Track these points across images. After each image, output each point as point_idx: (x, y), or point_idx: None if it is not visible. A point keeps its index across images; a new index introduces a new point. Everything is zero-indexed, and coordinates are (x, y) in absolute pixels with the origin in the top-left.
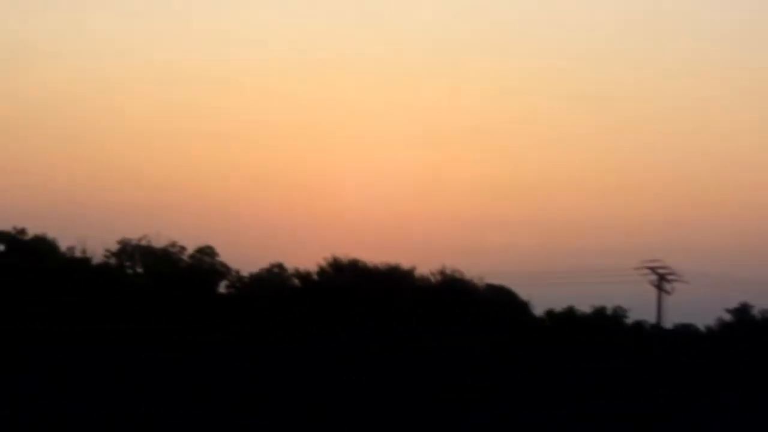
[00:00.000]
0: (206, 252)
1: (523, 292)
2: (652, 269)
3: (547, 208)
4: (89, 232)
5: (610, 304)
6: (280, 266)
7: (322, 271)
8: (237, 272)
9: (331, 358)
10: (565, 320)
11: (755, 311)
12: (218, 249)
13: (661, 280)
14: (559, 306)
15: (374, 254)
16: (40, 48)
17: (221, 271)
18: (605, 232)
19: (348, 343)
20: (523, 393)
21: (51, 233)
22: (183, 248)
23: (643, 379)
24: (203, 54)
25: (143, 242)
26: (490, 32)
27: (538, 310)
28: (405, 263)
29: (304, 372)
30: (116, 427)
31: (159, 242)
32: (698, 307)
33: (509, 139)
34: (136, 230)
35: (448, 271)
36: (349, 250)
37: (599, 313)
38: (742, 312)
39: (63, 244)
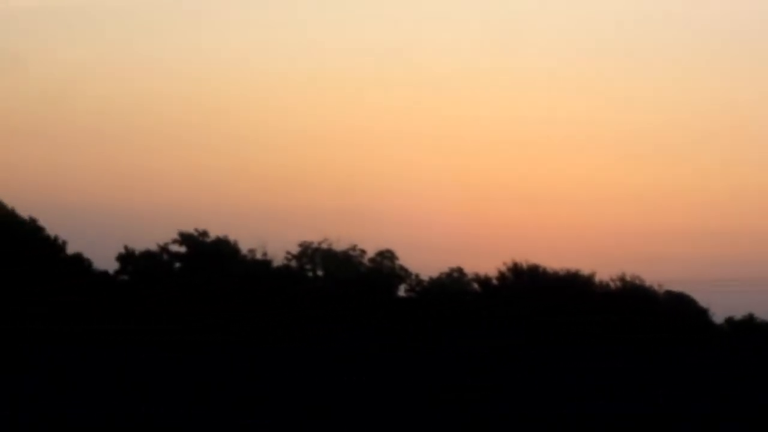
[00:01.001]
0: (386, 255)
1: (702, 300)
2: None
3: (728, 218)
4: (270, 234)
5: None
6: (460, 270)
7: (502, 276)
8: (417, 276)
9: (513, 362)
10: (746, 328)
11: None
12: (398, 252)
13: None
14: (739, 313)
15: (553, 260)
16: (209, 54)
17: (401, 274)
18: None
19: (526, 348)
20: (701, 401)
21: (233, 235)
22: (363, 251)
23: None
24: (385, 58)
25: (324, 245)
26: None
27: (718, 317)
28: (584, 269)
29: (479, 373)
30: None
31: (339, 245)
32: None
33: (692, 148)
34: (317, 233)
35: (628, 278)
36: (529, 256)
37: None
38: None
39: (244, 247)
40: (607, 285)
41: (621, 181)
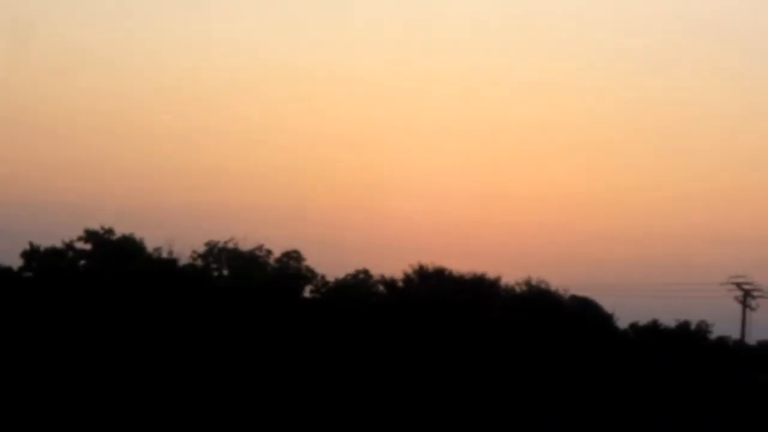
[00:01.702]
0: (292, 256)
1: (607, 305)
2: (738, 285)
3: (635, 222)
4: (177, 233)
5: (694, 319)
6: (366, 272)
7: (407, 279)
8: (323, 277)
9: (416, 365)
10: (649, 333)
11: None
12: (305, 253)
13: (746, 296)
14: (643, 319)
15: (460, 263)
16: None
17: (307, 275)
18: (693, 246)
19: (433, 350)
20: (603, 405)
21: (139, 233)
22: (269, 252)
23: (723, 395)
24: (299, 55)
25: (230, 245)
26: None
27: (623, 322)
28: (491, 272)
29: (387, 379)
30: None
31: (246, 245)
32: None
33: (601, 151)
34: (223, 232)
35: (534, 282)
36: (435, 258)
37: (683, 327)
38: None
39: (150, 245)
40: (513, 289)
41: (530, 183)
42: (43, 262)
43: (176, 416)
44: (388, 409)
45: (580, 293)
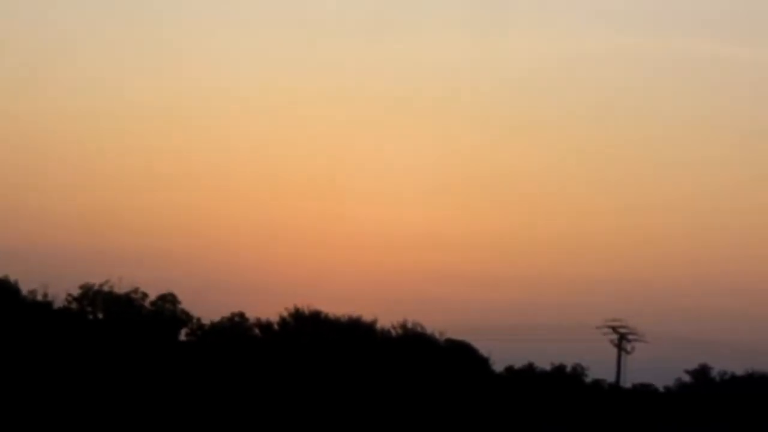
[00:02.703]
0: (168, 299)
1: (483, 348)
2: (614, 328)
3: (511, 265)
4: (51, 276)
5: (570, 362)
6: (242, 315)
7: (283, 322)
8: (198, 320)
9: (291, 407)
10: (525, 377)
11: (714, 373)
12: (180, 296)
13: (622, 339)
14: (519, 362)
15: (336, 306)
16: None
17: (182, 318)
18: (568, 289)
19: (307, 395)
20: None
21: (13, 275)
22: (145, 294)
23: None
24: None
25: (105, 287)
26: None
27: (498, 366)
28: (367, 315)
29: (262, 421)
30: None
31: (121, 288)
32: (658, 367)
33: (477, 195)
34: (100, 275)
35: (409, 325)
36: (312, 301)
37: (559, 370)
38: (701, 373)
39: (24, 287)
40: (389, 332)
41: (404, 225)
42: None
43: None
44: None
45: (456, 337)
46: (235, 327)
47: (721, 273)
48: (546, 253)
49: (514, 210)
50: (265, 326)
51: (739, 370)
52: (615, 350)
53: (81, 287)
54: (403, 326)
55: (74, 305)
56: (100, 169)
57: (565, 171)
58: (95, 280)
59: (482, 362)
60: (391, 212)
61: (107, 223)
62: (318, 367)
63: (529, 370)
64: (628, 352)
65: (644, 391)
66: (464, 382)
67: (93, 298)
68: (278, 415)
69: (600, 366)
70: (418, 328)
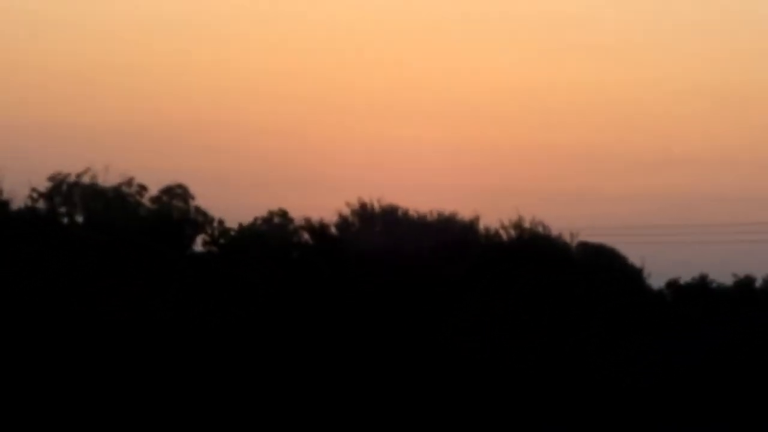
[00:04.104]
0: (176, 193)
1: (634, 255)
2: None
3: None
4: (8, 163)
5: (761, 274)
6: (284, 214)
7: (344, 223)
8: (220, 222)
9: (359, 349)
10: (696, 296)
11: None
12: (193, 190)
13: None
14: (687, 275)
15: (418, 199)
16: None
17: (197, 220)
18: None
19: (385, 326)
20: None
21: None
22: (143, 188)
23: None
24: None
25: (85, 179)
26: None
27: (657, 280)
28: (464, 212)
29: (319, 367)
30: None
31: (108, 179)
32: None
33: None
34: (75, 161)
35: (526, 224)
36: (381, 193)
37: (745, 285)
38: None
39: None
40: (498, 234)
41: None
42: None
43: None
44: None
45: (593, 239)
46: (275, 231)
47: None
48: None
49: None
50: (318, 229)
51: None
52: None
53: (50, 179)
54: (519, 225)
55: (41, 204)
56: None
57: None
58: (70, 168)
59: (634, 274)
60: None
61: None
62: (395, 287)
63: (702, 284)
64: None
65: None
66: (608, 303)
67: (68, 194)
68: (342, 356)
69: None
70: (541, 228)
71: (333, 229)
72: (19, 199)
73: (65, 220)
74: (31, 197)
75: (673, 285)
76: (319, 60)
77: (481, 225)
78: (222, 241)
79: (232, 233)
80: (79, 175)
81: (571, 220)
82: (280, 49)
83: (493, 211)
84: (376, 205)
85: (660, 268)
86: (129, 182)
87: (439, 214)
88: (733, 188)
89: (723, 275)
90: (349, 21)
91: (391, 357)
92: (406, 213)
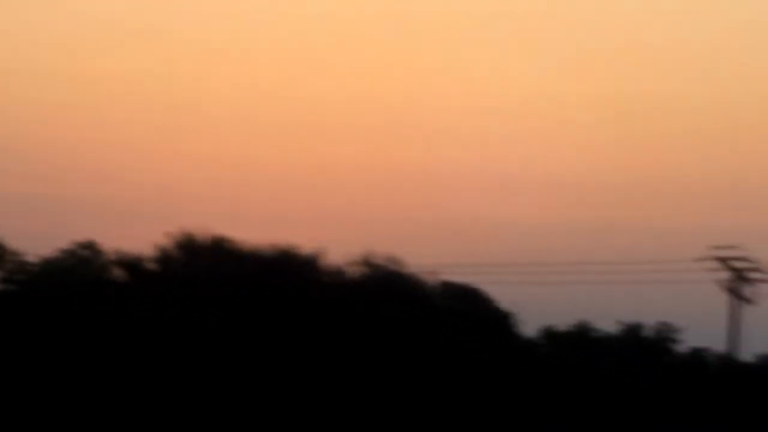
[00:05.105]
0: None
1: (504, 298)
2: (723, 261)
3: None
4: None
5: (649, 320)
6: (92, 246)
7: (165, 256)
8: (19, 257)
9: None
10: (574, 343)
11: None
12: None
13: (738, 279)
14: (563, 321)
15: (250, 232)
16: None
17: None
18: (653, 205)
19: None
20: None
21: None
22: None
23: None
24: None
25: None
26: None
27: (530, 327)
28: (304, 245)
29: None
30: None
31: None
32: None
33: None
34: None
35: (377, 260)
36: (208, 223)
37: (631, 333)
38: None
39: None
40: (341, 272)
41: None
42: None
43: None
44: None
45: (457, 279)
46: (81, 265)
47: None
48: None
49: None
50: (134, 263)
51: None
52: (726, 298)
53: None
54: (367, 262)
55: None
56: None
57: None
58: None
59: (502, 319)
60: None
61: None
62: (224, 327)
63: (582, 333)
64: (748, 301)
65: None
66: (473, 350)
67: None
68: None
69: (701, 327)
70: (393, 266)
71: (151, 265)
72: None
73: None
74: None
75: (549, 332)
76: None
77: (325, 260)
78: (20, 277)
79: (33, 268)
80: None
81: (430, 256)
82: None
83: (339, 244)
84: (203, 237)
85: (533, 312)
86: None
87: (277, 248)
88: (626, 219)
89: (606, 322)
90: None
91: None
92: (238, 246)
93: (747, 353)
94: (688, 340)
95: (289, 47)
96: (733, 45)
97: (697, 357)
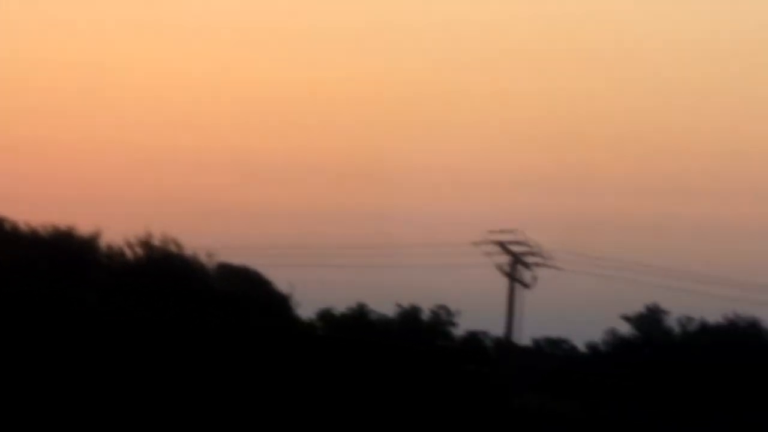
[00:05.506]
0: None
1: (281, 280)
2: (501, 245)
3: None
4: None
5: (428, 303)
6: None
7: None
8: None
9: None
10: (352, 326)
11: (671, 319)
12: None
13: (516, 262)
14: (342, 304)
15: (25, 211)
16: None
17: None
18: (429, 189)
19: None
20: None
21: None
22: None
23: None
24: None
25: None
26: None
27: (307, 309)
28: (83, 226)
29: None
30: None
31: None
32: (577, 311)
33: None
34: None
35: (156, 242)
36: None
37: (409, 315)
38: (648, 320)
39: None
40: (121, 252)
41: None
42: None
43: None
44: None
45: (235, 260)
46: None
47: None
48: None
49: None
50: None
51: (715, 315)
52: (505, 282)
53: None
54: (146, 243)
55: None
56: None
57: None
58: None
59: (280, 302)
60: None
61: None
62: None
63: (360, 314)
64: (525, 286)
65: (555, 352)
66: (248, 332)
67: None
68: None
69: (477, 310)
70: (172, 248)
71: None
72: None
73: None
74: None
75: (326, 315)
76: None
77: (103, 241)
78: None
79: None
80: None
81: (211, 236)
82: None
83: (119, 225)
84: None
85: (312, 295)
86: None
87: (54, 228)
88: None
89: (385, 305)
90: None
91: None
92: (14, 226)
93: (524, 337)
94: (467, 324)
95: None
96: None
97: (474, 340)
